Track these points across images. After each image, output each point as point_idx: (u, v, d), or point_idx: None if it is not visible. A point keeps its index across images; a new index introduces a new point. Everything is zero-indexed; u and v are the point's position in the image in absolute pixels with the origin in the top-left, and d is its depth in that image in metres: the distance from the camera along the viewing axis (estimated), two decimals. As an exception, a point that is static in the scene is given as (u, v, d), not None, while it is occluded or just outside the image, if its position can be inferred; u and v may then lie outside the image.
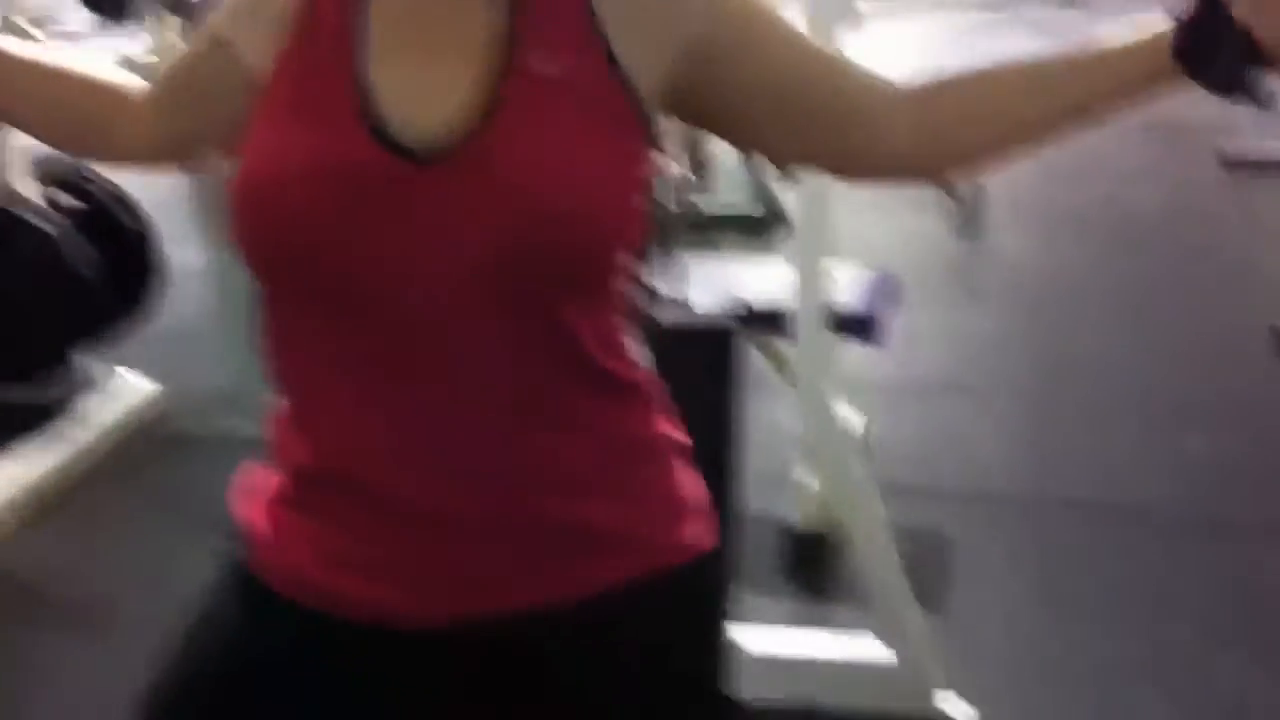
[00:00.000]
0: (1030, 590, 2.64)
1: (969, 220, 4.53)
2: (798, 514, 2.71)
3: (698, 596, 1.14)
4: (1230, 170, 4.80)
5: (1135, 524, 2.85)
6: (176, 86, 1.16)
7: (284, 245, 0.99)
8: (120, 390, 3.17)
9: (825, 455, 2.12)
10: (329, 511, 1.05)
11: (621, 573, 1.07)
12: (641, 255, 1.06)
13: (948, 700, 2.24)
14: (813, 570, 2.62)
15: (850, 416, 3.05)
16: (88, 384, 3.09)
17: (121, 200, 3.10)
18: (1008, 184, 4.77)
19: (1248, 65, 1.02)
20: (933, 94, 1.07)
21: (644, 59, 1.03)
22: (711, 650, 1.17)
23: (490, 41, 1.00)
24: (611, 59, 1.02)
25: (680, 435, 1.13)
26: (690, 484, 1.13)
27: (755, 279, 2.51)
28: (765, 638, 2.32)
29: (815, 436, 2.11)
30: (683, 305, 2.03)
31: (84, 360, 3.10)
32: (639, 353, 1.10)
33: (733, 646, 2.13)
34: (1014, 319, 3.95)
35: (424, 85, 1.00)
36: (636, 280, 1.08)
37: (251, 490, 1.11)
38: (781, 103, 1.06)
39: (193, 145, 1.16)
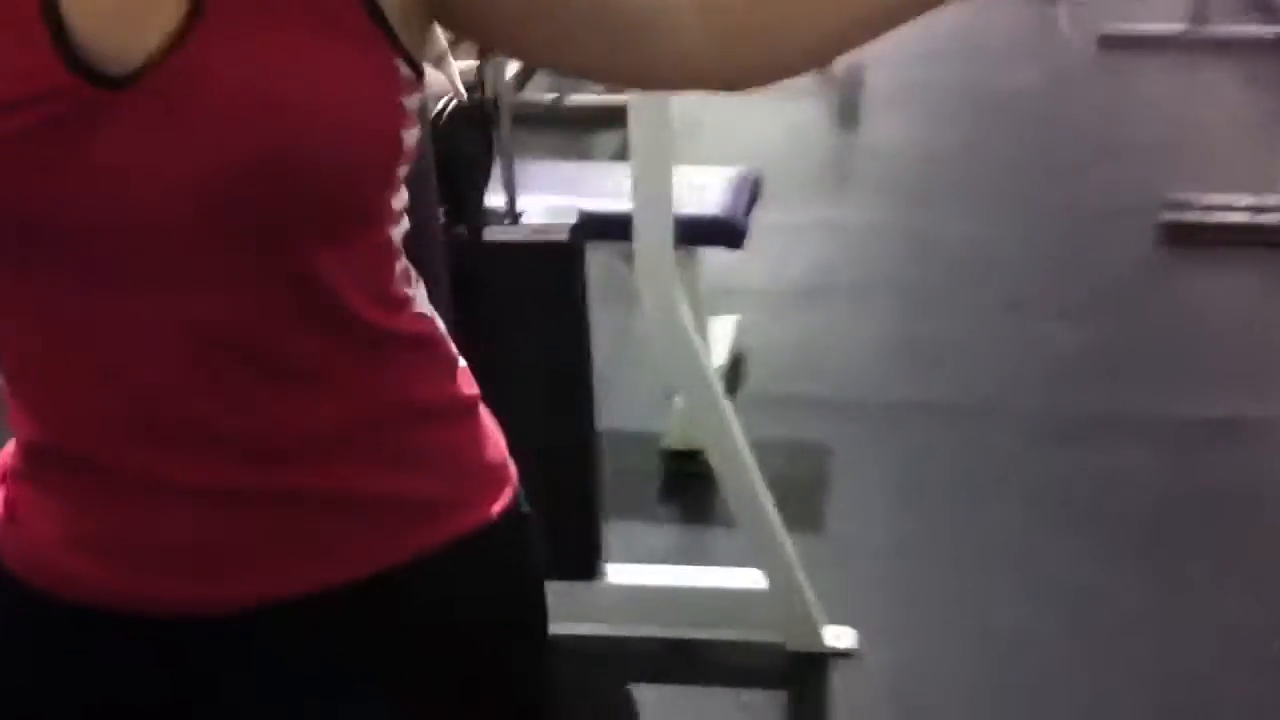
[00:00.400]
0: (902, 502, 2.54)
1: (845, 108, 4.38)
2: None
3: (495, 565, 0.99)
4: (1106, 49, 4.68)
5: (1005, 428, 2.75)
6: None
7: None
8: None
9: (677, 374, 1.95)
10: (60, 488, 0.92)
11: (397, 547, 0.93)
12: (406, 188, 0.90)
13: (823, 627, 2.12)
14: (688, 491, 2.48)
15: (719, 327, 2.90)
16: None
17: None
18: (885, 67, 4.65)
19: None
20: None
21: None
22: (519, 626, 1.02)
23: None
24: None
25: (471, 390, 0.99)
26: (483, 444, 0.99)
27: (601, 182, 2.31)
28: (635, 569, 2.18)
29: (666, 354, 1.94)
30: (514, 218, 1.84)
31: None
32: (421, 302, 0.95)
33: (600, 579, 2.04)
34: (891, 211, 3.82)
35: (125, 6, 0.83)
36: (422, 216, 0.94)
37: None
38: (551, 7, 0.90)
39: None
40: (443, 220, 1.81)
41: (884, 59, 4.72)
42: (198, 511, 0.89)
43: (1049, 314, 3.15)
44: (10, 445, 0.97)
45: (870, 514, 2.49)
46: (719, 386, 1.98)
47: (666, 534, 2.45)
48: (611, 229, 1.94)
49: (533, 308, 1.88)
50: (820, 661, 2.12)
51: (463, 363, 1.00)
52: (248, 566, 0.91)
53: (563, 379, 1.91)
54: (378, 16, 0.84)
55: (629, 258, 2.04)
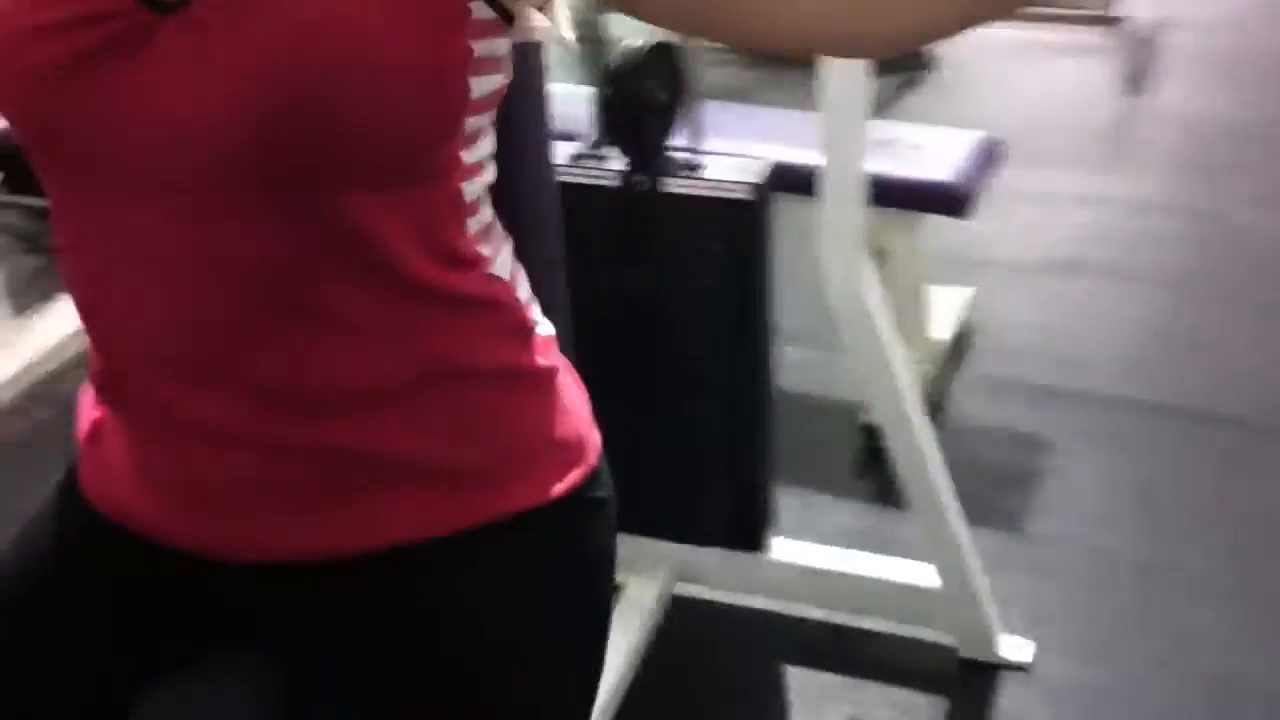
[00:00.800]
0: (1113, 511, 2.32)
1: (1137, 70, 4.05)
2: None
3: (541, 552, 0.93)
4: None
5: (1249, 445, 2.48)
6: None
7: (27, 106, 0.83)
8: None
9: (858, 354, 1.82)
10: (122, 417, 0.93)
11: (434, 519, 0.89)
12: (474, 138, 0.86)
13: (999, 636, 1.97)
14: (883, 470, 2.36)
15: (949, 298, 2.72)
16: None
17: None
18: (1186, 29, 4.28)
19: None
20: None
21: None
22: (553, 620, 0.95)
23: None
24: None
25: (547, 361, 0.94)
26: (552, 419, 0.94)
27: (794, 131, 2.17)
28: (803, 546, 2.07)
29: (847, 331, 1.81)
30: (697, 168, 1.74)
31: None
32: (500, 264, 0.92)
33: (765, 552, 1.95)
34: (1168, 186, 3.51)
35: None
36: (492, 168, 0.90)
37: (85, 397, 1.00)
38: None
39: None
40: (624, 169, 1.74)
41: (1185, 20, 4.36)
42: (234, 455, 0.86)
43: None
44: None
45: (1075, 518, 2.29)
46: (900, 364, 1.84)
47: (851, 513, 2.32)
48: (804, 183, 1.82)
49: (713, 264, 1.78)
50: (989, 672, 1.97)
51: (545, 331, 0.95)
52: (281, 516, 0.88)
53: (738, 342, 1.82)
54: None
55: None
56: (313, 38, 0.76)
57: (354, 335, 0.84)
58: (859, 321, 1.78)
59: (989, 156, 2.42)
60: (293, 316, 0.83)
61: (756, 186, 1.70)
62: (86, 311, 0.90)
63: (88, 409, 0.98)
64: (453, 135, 0.83)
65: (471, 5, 0.81)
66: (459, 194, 0.86)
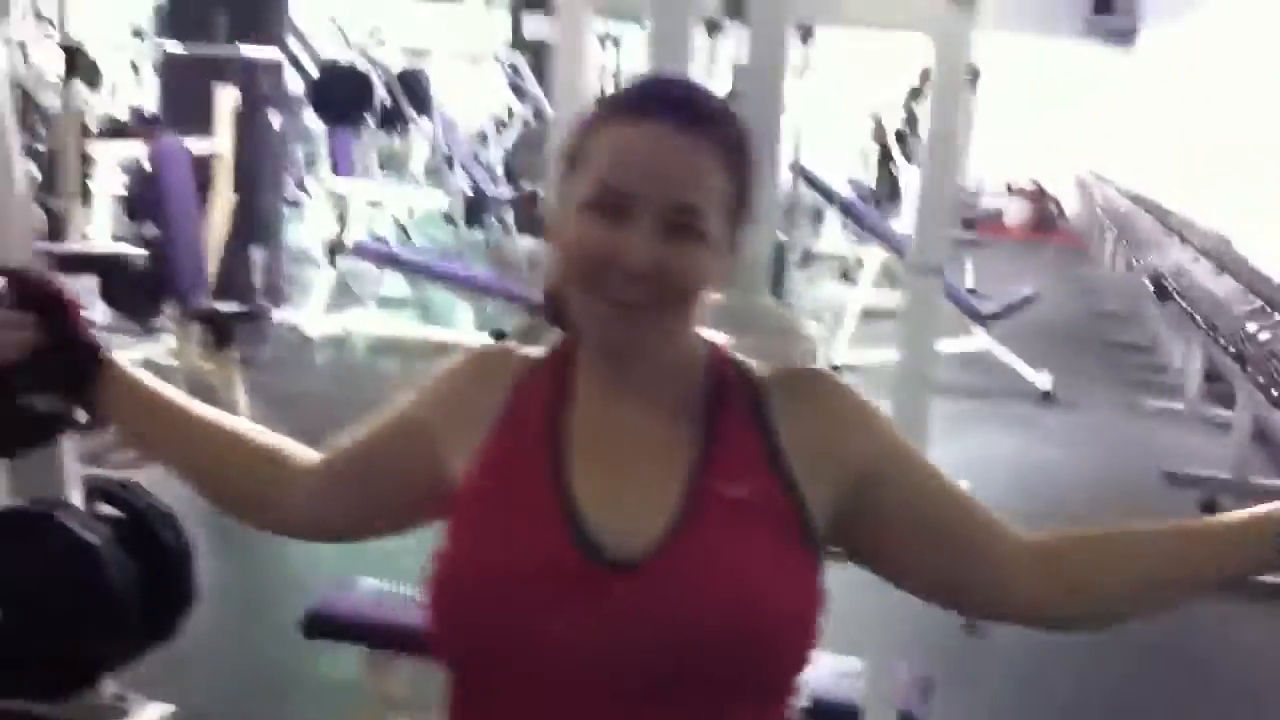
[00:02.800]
0: None
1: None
2: None
3: None
4: (1172, 483, 4.90)
5: None
6: (358, 457, 1.30)
7: (485, 634, 1.12)
8: (134, 711, 3.15)
9: None
10: None
11: None
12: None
13: None
14: None
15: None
16: (113, 708, 3.11)
17: (166, 516, 3.16)
18: None
19: None
20: (1058, 548, 1.21)
21: (818, 484, 1.16)
22: None
23: (685, 463, 1.15)
24: (789, 483, 1.15)
25: None
26: None
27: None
28: None
29: None
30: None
31: (106, 681, 3.09)
32: None
33: None
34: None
35: (622, 497, 1.14)
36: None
37: None
38: (925, 529, 1.20)
39: (351, 521, 1.32)
40: None
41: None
42: None
43: None
44: None
45: None
46: None
47: None
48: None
49: None
50: None
51: None
52: None
53: None
54: (810, 530, 1.15)
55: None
56: (744, 599, 1.09)
57: None
58: None
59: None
60: None
61: None
62: None
63: None
64: (805, 665, 1.16)
65: (818, 566, 1.16)
66: (786, 712, 1.19)
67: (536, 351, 1.25)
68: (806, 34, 6.72)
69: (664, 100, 1.16)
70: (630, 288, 1.12)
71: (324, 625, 2.89)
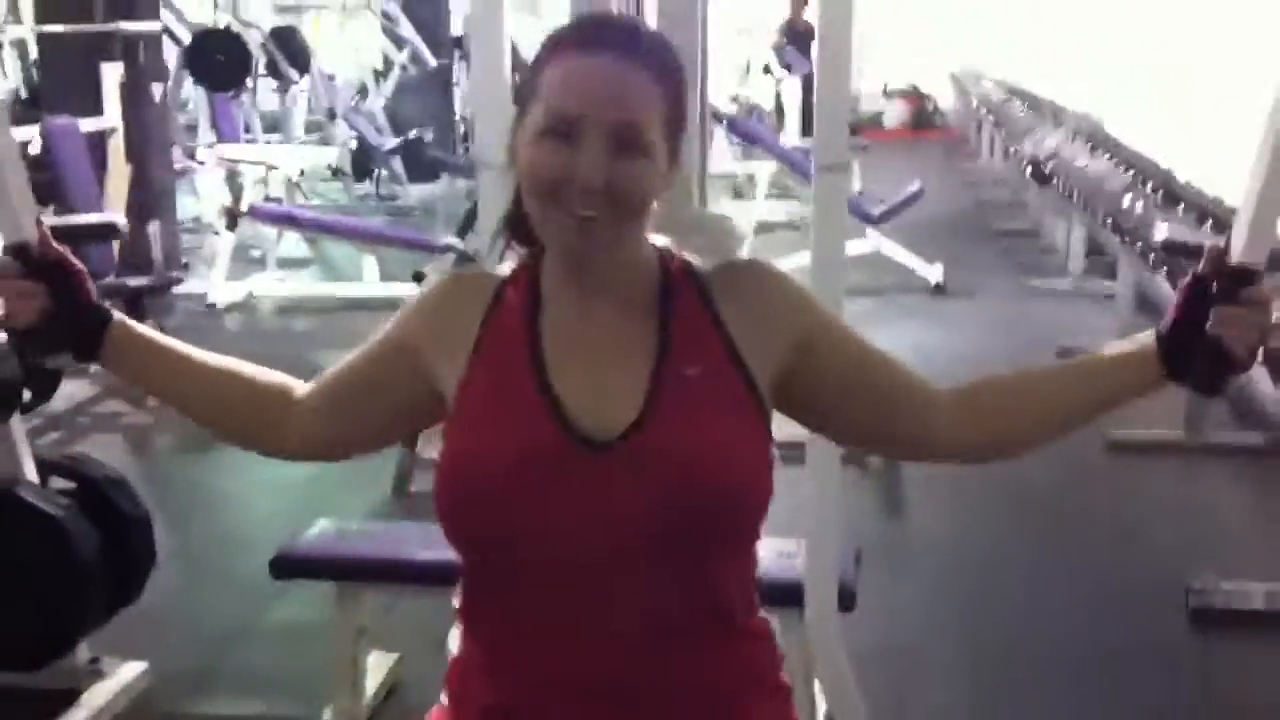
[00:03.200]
0: None
1: (890, 497, 4.74)
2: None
3: None
4: (1114, 452, 5.10)
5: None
6: (349, 382, 1.46)
7: (489, 519, 1.29)
8: (110, 672, 3.29)
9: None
10: None
11: None
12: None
13: None
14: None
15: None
16: (90, 671, 3.24)
17: (119, 484, 3.27)
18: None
19: (1221, 370, 1.34)
20: (972, 392, 1.41)
21: (761, 357, 1.36)
22: None
23: (648, 351, 1.33)
24: (736, 359, 1.34)
25: (787, 680, 1.45)
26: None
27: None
28: None
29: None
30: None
31: (80, 647, 3.21)
32: (761, 609, 1.43)
33: None
34: (937, 586, 4.13)
35: (596, 387, 1.32)
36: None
37: None
38: (855, 389, 1.39)
39: (342, 440, 1.49)
40: None
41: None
42: None
43: (1098, 679, 3.46)
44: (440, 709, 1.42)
45: None
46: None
47: None
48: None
49: None
50: None
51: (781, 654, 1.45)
52: None
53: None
54: (757, 396, 1.34)
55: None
56: (707, 468, 1.29)
57: (708, 656, 1.33)
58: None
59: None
60: (669, 648, 1.30)
61: None
62: (492, 661, 1.34)
63: None
64: (765, 512, 1.35)
65: (768, 429, 1.36)
66: (753, 553, 1.40)
67: (504, 269, 1.41)
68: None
69: (603, 34, 1.32)
70: (586, 201, 1.27)
71: (292, 565, 3.03)
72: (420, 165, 11.97)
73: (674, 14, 1.58)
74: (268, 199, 8.27)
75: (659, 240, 1.41)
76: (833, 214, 2.13)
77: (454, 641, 1.43)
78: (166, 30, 7.97)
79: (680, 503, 1.27)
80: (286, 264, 8.52)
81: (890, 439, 1.44)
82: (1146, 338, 1.36)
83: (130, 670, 3.33)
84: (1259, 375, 5.44)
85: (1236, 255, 1.32)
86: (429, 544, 3.17)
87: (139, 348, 1.47)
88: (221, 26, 9.26)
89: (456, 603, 1.41)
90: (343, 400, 1.45)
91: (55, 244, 1.44)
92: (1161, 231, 4.29)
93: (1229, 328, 1.30)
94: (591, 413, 1.30)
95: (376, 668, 3.27)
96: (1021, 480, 4.92)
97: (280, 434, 1.48)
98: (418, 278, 4.84)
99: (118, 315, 1.47)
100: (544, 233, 1.33)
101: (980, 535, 4.48)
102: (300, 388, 1.49)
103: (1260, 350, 1.32)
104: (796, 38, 14.24)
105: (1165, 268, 4.84)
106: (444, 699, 1.44)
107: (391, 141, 11.55)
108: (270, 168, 8.65)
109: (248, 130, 10.15)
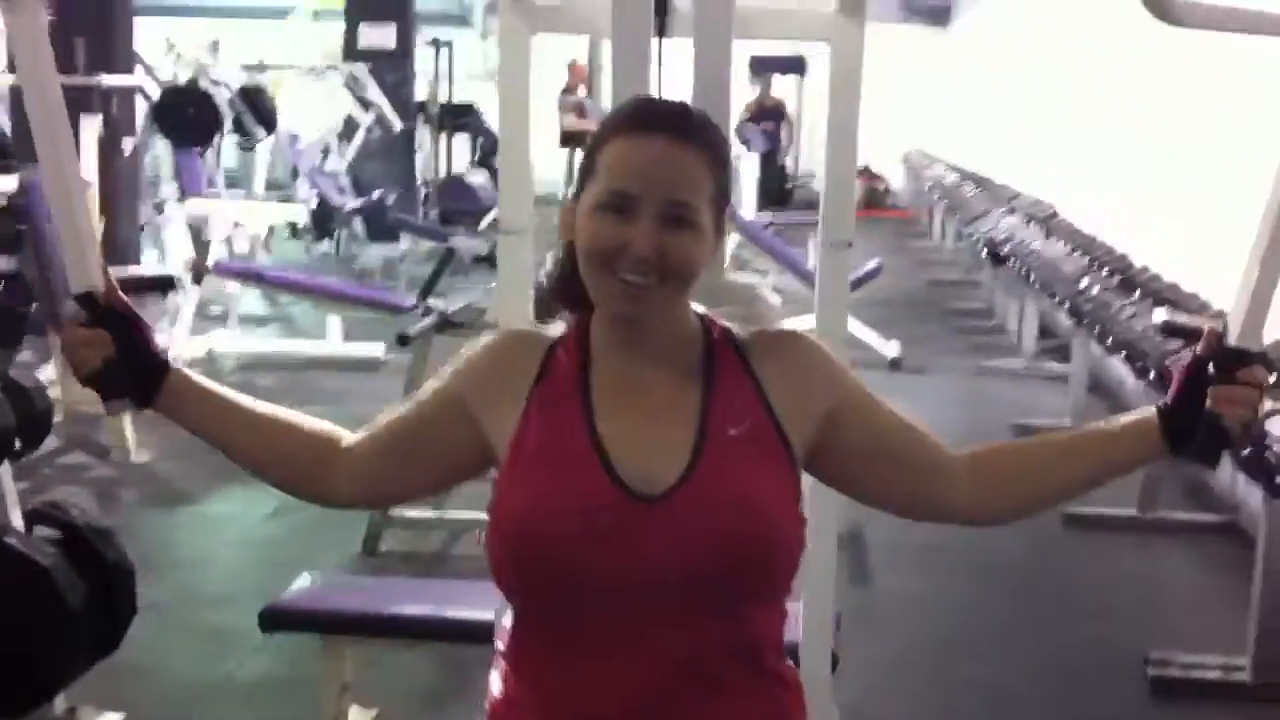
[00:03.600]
0: None
1: (858, 565, 4.82)
2: None
3: None
4: (1070, 526, 5.28)
5: None
6: (401, 433, 1.52)
7: (543, 567, 1.38)
8: None
9: None
10: None
11: None
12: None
13: None
14: None
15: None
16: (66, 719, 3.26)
17: (103, 533, 3.29)
18: (882, 527, 5.02)
19: (1219, 444, 1.43)
20: (986, 458, 1.51)
21: (795, 421, 1.45)
22: None
23: (692, 410, 1.43)
24: (774, 422, 1.44)
25: None
26: None
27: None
28: None
29: None
30: None
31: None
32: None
33: None
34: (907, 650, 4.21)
35: (644, 443, 1.41)
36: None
37: None
38: (883, 456, 1.49)
39: (391, 488, 1.57)
40: None
41: (880, 517, 5.17)
42: None
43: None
44: None
45: None
46: None
47: None
48: None
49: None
50: None
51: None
52: None
53: None
54: (792, 456, 1.44)
55: None
56: (751, 517, 1.39)
57: (735, 699, 1.41)
58: None
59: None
60: (700, 688, 1.39)
61: None
62: (532, 695, 1.43)
63: None
64: (797, 567, 1.44)
65: (799, 482, 1.46)
66: (784, 605, 1.49)
67: (555, 330, 1.50)
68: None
69: (655, 118, 1.43)
70: (638, 270, 1.38)
71: (282, 618, 3.07)
72: (381, 226, 12.06)
73: (707, 95, 1.70)
74: (232, 255, 8.30)
75: (698, 308, 1.50)
76: (837, 287, 2.24)
77: (494, 684, 1.50)
78: (139, 86, 8.03)
79: (722, 552, 1.37)
80: (247, 321, 8.55)
81: (915, 501, 1.53)
82: (1147, 412, 1.48)
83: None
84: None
85: (1233, 338, 1.44)
86: (416, 598, 3.23)
87: (195, 396, 1.54)
88: (192, 83, 9.31)
89: (501, 645, 1.48)
90: (393, 450, 1.52)
91: (120, 294, 1.50)
92: (1160, 315, 4.45)
93: (1226, 406, 1.40)
94: (641, 467, 1.39)
95: (356, 722, 3.30)
96: (984, 550, 5.07)
97: (329, 481, 1.55)
98: (402, 340, 4.90)
99: (175, 364, 1.53)
100: (598, 298, 1.43)
101: (946, 605, 4.59)
102: (349, 436, 1.56)
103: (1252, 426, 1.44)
104: (765, 114, 14.59)
105: (1124, 352, 4.99)
106: None
107: (354, 202, 11.63)
108: (237, 224, 8.70)
109: (211, 186, 10.17)
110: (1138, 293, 5.44)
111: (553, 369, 1.46)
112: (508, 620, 1.48)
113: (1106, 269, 6.12)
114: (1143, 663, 3.91)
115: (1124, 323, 5.12)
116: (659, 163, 1.39)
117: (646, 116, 1.44)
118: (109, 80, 6.60)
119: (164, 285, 5.04)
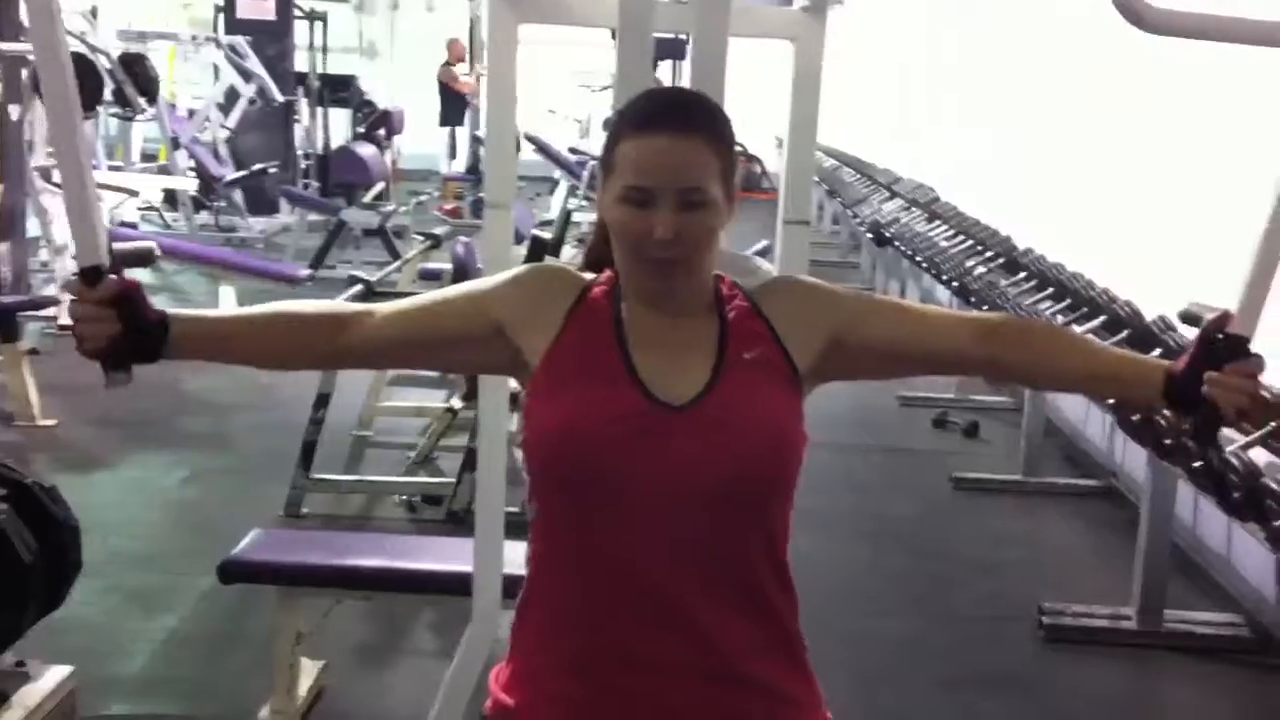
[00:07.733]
0: None
1: None
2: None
3: None
4: (960, 489, 5.69)
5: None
6: (425, 324, 1.66)
7: (583, 469, 1.56)
8: (36, 675, 3.33)
9: None
10: (584, 679, 1.59)
11: None
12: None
13: None
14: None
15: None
16: (16, 674, 3.28)
17: (50, 490, 3.32)
18: None
19: (1213, 424, 1.60)
20: (1009, 339, 1.67)
21: (802, 350, 1.64)
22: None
23: (711, 342, 1.63)
24: (783, 349, 1.63)
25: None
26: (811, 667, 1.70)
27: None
28: None
29: None
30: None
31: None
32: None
33: None
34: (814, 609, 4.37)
35: (671, 367, 1.59)
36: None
37: (506, 679, 1.65)
38: (894, 354, 1.68)
39: (401, 354, 1.71)
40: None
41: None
42: (662, 685, 1.57)
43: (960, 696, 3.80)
44: (508, 670, 1.64)
45: None
46: None
47: None
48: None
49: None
50: None
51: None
52: None
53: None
54: (797, 376, 1.64)
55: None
56: (766, 429, 1.57)
57: (764, 603, 1.61)
58: None
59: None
60: (731, 591, 1.58)
61: None
62: (565, 609, 1.59)
63: (515, 690, 1.62)
64: (802, 464, 1.62)
65: (803, 404, 1.66)
66: (789, 508, 1.65)
67: (588, 275, 1.69)
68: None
69: (661, 114, 1.62)
70: (662, 250, 1.57)
71: (240, 570, 3.17)
72: (262, 198, 11.95)
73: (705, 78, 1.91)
74: (124, 225, 8.19)
75: None
76: (797, 262, 2.47)
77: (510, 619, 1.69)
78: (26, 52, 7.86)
79: (739, 454, 1.57)
80: (134, 290, 8.43)
81: (940, 372, 1.79)
82: (1158, 369, 1.63)
83: (56, 674, 3.38)
84: (1091, 425, 6.00)
85: (1236, 325, 1.58)
86: (369, 552, 3.35)
87: (197, 335, 1.63)
88: (75, 51, 9.13)
89: (525, 570, 1.67)
90: (410, 333, 1.67)
91: (118, 269, 1.56)
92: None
93: (1221, 391, 1.54)
94: (670, 385, 1.59)
95: (305, 673, 3.41)
96: (878, 516, 5.39)
97: (341, 354, 1.67)
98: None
99: (169, 314, 1.60)
100: (628, 275, 1.63)
101: (846, 564, 4.83)
102: (358, 306, 1.69)
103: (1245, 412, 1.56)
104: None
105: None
106: (506, 661, 1.67)
107: (232, 173, 11.52)
108: (131, 193, 8.59)
109: (94, 157, 10.00)
110: (1023, 274, 5.75)
111: (587, 301, 1.64)
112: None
113: (991, 251, 6.43)
114: (1036, 613, 4.21)
115: (1012, 300, 5.42)
116: (668, 155, 1.57)
117: (652, 114, 1.61)
118: (4, 47, 6.46)
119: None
